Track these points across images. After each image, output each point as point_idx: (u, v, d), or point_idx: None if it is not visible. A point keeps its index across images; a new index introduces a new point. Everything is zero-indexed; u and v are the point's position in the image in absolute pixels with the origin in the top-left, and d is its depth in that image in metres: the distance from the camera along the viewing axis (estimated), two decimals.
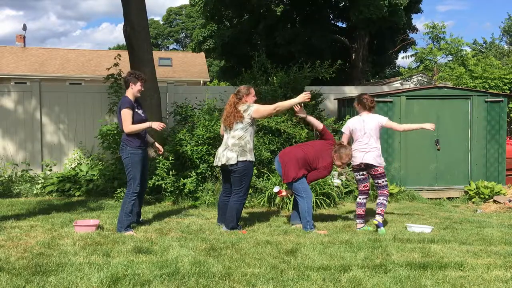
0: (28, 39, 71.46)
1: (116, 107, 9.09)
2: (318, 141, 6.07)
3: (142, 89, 5.65)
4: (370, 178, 6.07)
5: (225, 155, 5.63)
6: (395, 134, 8.52)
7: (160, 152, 6.07)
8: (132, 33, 8.62)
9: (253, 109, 5.66)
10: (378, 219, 5.85)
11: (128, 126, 5.44)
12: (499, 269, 4.33)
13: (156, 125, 5.54)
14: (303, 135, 8.19)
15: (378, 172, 5.89)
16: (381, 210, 5.90)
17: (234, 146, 5.63)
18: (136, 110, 5.57)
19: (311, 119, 6.04)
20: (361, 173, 5.99)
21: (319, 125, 6.04)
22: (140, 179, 5.59)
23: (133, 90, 5.57)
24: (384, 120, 5.98)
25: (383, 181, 5.95)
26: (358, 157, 5.90)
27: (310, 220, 5.76)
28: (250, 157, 5.65)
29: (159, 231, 5.63)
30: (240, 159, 5.59)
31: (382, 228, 5.78)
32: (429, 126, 5.99)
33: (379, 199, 5.97)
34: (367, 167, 5.89)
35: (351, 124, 6.04)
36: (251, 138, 5.72)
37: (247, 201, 7.41)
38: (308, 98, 5.68)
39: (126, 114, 5.43)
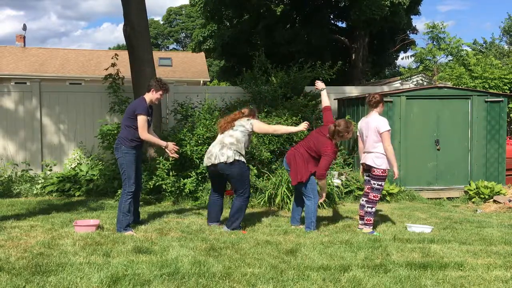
0: (29, 39, 71.72)
1: (116, 107, 9.13)
2: (312, 132, 6.09)
3: (161, 98, 5.78)
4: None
5: (225, 153, 5.59)
6: (395, 134, 8.52)
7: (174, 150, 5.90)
8: (132, 33, 8.62)
9: (254, 122, 5.81)
10: (366, 230, 5.77)
11: (145, 134, 5.54)
12: (499, 269, 4.33)
13: (171, 148, 5.70)
14: (304, 134, 8.19)
15: (374, 173, 5.79)
16: (367, 220, 5.81)
17: (232, 145, 5.66)
18: (148, 116, 5.67)
19: (324, 94, 6.15)
20: (366, 173, 6.00)
21: (325, 103, 6.11)
22: (135, 178, 5.61)
23: (151, 96, 5.66)
24: (381, 129, 5.74)
25: (375, 183, 5.79)
26: (361, 158, 5.96)
27: (314, 221, 5.78)
28: (243, 159, 5.72)
29: (159, 231, 5.63)
30: (237, 158, 5.62)
31: (374, 233, 5.72)
32: (395, 171, 5.83)
33: (366, 206, 5.85)
34: (368, 167, 5.88)
35: (359, 125, 6.09)
36: (244, 147, 5.76)
37: None
38: (306, 128, 5.81)
39: (143, 121, 5.52)
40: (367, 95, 8.82)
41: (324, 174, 5.64)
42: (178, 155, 5.82)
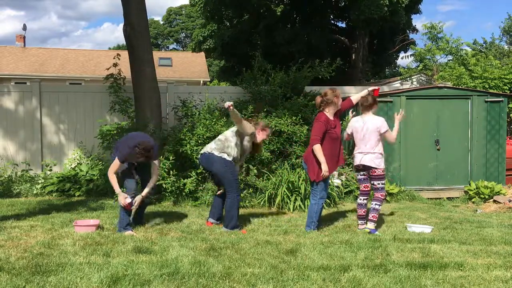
0: (29, 39, 71.56)
1: (117, 106, 9.14)
2: None
3: (139, 160, 5.47)
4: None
5: (209, 145, 5.91)
6: None
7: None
8: (132, 33, 8.62)
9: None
10: (370, 226, 5.78)
11: (111, 173, 5.49)
12: (499, 269, 4.33)
13: (120, 199, 5.49)
14: (304, 133, 8.20)
15: (375, 174, 5.82)
16: (373, 216, 5.80)
17: (218, 141, 5.84)
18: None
19: (363, 92, 6.12)
20: (361, 173, 5.99)
21: (352, 96, 6.17)
22: (142, 180, 5.67)
23: (130, 156, 5.48)
24: (383, 129, 5.82)
25: (379, 183, 5.83)
26: (357, 159, 5.92)
27: (315, 222, 5.78)
28: (228, 157, 5.74)
29: (159, 231, 5.63)
30: (216, 153, 5.73)
31: (376, 233, 5.73)
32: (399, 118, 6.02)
33: (372, 203, 5.87)
34: (366, 168, 5.88)
35: (352, 124, 6.03)
36: (234, 148, 5.77)
37: (247, 201, 7.42)
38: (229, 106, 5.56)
39: (115, 164, 5.48)
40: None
41: (315, 139, 5.54)
42: (126, 204, 5.54)
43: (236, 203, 5.76)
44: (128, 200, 5.49)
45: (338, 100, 5.69)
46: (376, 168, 5.80)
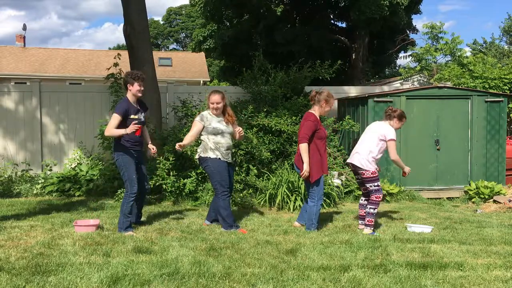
0: (30, 39, 71.63)
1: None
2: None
3: (141, 88, 5.52)
4: None
5: (198, 148, 6.00)
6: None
7: (153, 153, 5.78)
8: (132, 33, 8.63)
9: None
10: (366, 231, 5.71)
11: (109, 130, 5.40)
12: (499, 269, 4.33)
13: (130, 129, 5.32)
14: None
15: (364, 176, 5.75)
16: (368, 221, 5.73)
17: (202, 142, 5.85)
18: (133, 115, 5.45)
19: None
20: (356, 176, 5.99)
21: None
22: (137, 179, 5.53)
23: (132, 91, 5.50)
24: (389, 137, 5.80)
25: (371, 186, 5.75)
26: (349, 157, 5.95)
27: (315, 223, 5.78)
28: (212, 154, 5.70)
29: (159, 231, 5.63)
30: (202, 155, 5.78)
31: (375, 234, 5.69)
32: (407, 170, 6.02)
33: (367, 207, 5.79)
34: (355, 167, 5.84)
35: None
36: (211, 140, 5.71)
37: (247, 201, 7.42)
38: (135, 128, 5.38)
39: (113, 118, 5.39)
40: (367, 95, 8.83)
41: (303, 138, 5.56)
42: (138, 128, 5.42)
43: (222, 204, 5.72)
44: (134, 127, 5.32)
45: (331, 100, 5.71)
46: (362, 170, 5.73)
